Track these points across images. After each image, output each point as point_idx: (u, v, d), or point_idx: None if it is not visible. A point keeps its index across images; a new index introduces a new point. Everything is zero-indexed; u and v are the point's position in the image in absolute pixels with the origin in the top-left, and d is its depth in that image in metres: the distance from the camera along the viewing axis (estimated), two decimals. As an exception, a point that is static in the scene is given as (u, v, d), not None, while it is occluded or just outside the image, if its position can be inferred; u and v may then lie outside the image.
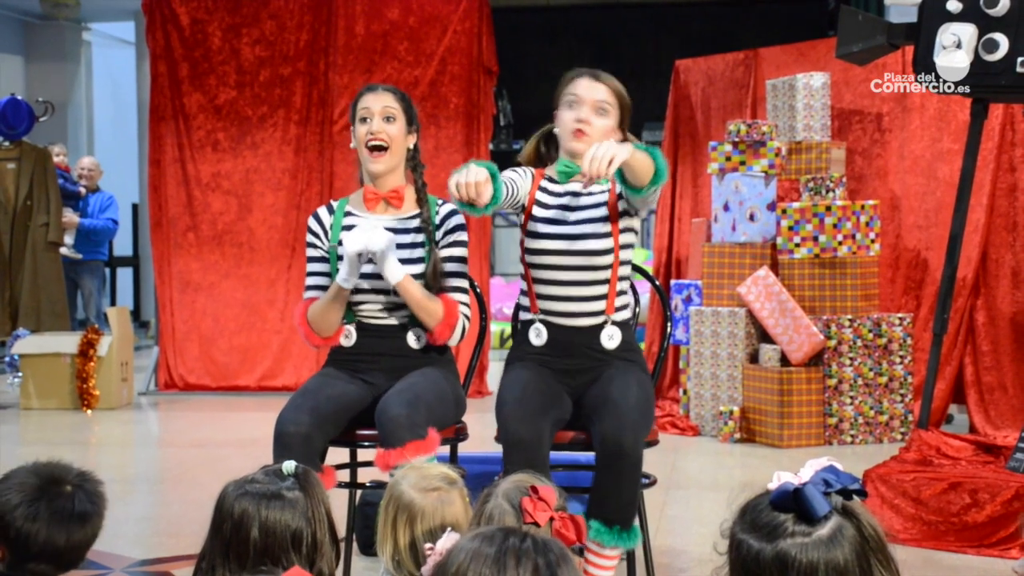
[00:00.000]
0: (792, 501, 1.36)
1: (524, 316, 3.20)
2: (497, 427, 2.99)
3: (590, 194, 3.10)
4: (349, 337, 3.23)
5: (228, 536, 1.88)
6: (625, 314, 3.15)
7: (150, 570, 3.71)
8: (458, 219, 3.25)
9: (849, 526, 1.35)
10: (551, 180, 3.16)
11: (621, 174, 2.83)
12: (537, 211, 3.13)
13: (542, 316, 3.12)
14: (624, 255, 3.10)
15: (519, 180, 3.10)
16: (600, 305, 3.09)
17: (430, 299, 3.14)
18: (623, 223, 3.08)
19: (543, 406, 2.97)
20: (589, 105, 3.07)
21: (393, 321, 3.20)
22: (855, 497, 1.38)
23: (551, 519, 1.95)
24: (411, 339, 3.19)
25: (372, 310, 3.22)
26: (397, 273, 3.09)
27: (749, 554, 1.36)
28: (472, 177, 2.74)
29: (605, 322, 3.09)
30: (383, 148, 3.20)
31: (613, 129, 3.10)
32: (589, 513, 2.92)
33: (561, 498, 2.03)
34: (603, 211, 3.07)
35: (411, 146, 3.28)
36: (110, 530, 4.13)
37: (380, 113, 3.20)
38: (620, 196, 3.06)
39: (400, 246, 3.17)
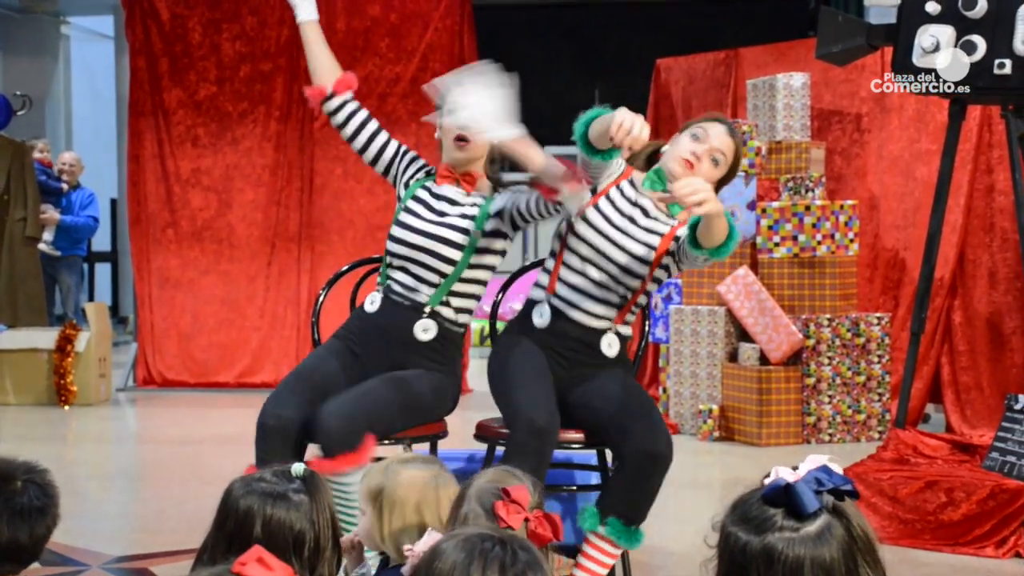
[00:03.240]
0: (783, 496, 1.37)
1: (536, 294, 3.21)
2: (505, 411, 3.02)
3: (656, 219, 3.13)
4: (374, 303, 3.24)
5: (231, 532, 1.88)
6: (628, 329, 3.20)
7: (128, 567, 3.69)
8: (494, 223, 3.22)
9: (838, 525, 1.36)
10: (632, 184, 3.19)
11: (695, 225, 2.85)
12: (603, 204, 3.15)
13: (553, 299, 3.15)
14: (651, 286, 3.16)
15: (617, 162, 3.15)
16: (611, 313, 3.14)
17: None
18: (664, 260, 3.11)
19: (552, 395, 3.02)
20: (709, 149, 3.10)
21: (417, 298, 3.19)
22: (847, 498, 1.39)
23: (526, 519, 1.95)
24: (419, 329, 3.18)
25: (403, 281, 3.21)
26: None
27: (737, 545, 1.38)
28: (640, 133, 2.70)
29: (609, 329, 3.15)
30: (467, 139, 3.18)
31: (714, 180, 3.13)
32: (606, 510, 2.95)
33: (535, 495, 2.03)
34: (655, 240, 3.10)
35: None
36: (87, 526, 4.14)
37: None
38: (676, 239, 3.08)
39: (449, 216, 3.19)
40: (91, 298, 11.81)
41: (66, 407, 7.04)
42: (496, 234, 3.20)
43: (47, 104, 12.30)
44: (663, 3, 14.63)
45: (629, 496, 2.94)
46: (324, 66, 3.31)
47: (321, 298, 3.60)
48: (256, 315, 7.88)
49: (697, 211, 2.69)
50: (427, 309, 3.18)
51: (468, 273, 3.19)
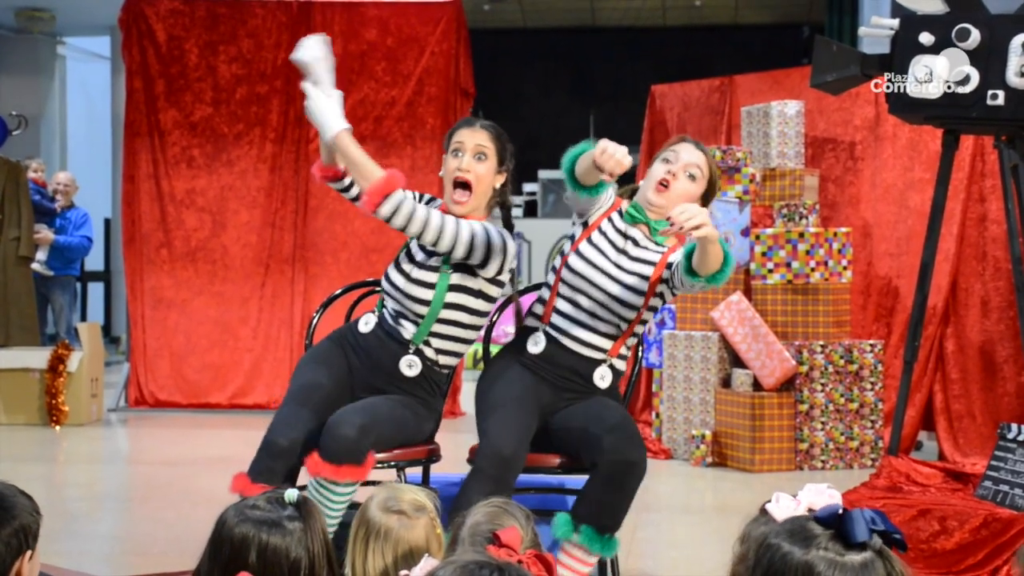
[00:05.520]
0: (836, 519, 1.39)
1: (531, 322, 3.23)
2: (479, 434, 3.03)
3: (646, 248, 3.16)
4: (368, 324, 3.24)
5: (226, 560, 1.87)
6: (622, 363, 3.21)
7: (118, 589, 3.68)
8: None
9: (881, 565, 1.38)
10: (620, 215, 3.22)
11: (690, 252, 2.86)
12: (596, 237, 3.18)
13: (549, 328, 3.16)
14: (646, 315, 3.17)
15: (607, 195, 3.18)
16: (606, 344, 3.15)
17: (370, 161, 3.03)
18: (659, 289, 3.13)
19: (526, 424, 3.03)
20: (683, 165, 3.14)
21: (404, 332, 3.18)
22: (894, 546, 1.41)
23: (518, 562, 1.94)
24: (404, 364, 3.18)
25: (391, 310, 3.21)
26: (333, 126, 3.02)
27: (777, 553, 1.39)
28: (624, 158, 2.80)
29: (604, 361, 3.16)
30: (467, 187, 3.15)
31: (695, 197, 3.16)
32: (579, 518, 2.96)
33: (528, 531, 2.02)
34: (648, 270, 3.12)
35: (498, 186, 3.22)
36: (77, 547, 4.12)
37: (472, 150, 3.16)
38: (668, 266, 3.10)
39: (434, 258, 3.16)
40: (83, 318, 11.79)
41: (57, 427, 7.02)
42: (466, 268, 3.13)
43: (42, 124, 12.32)
44: (658, 30, 14.73)
45: (602, 504, 2.95)
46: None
47: (315, 320, 3.60)
48: (249, 336, 7.87)
49: (695, 235, 2.71)
50: (412, 347, 3.18)
51: (446, 313, 3.15)
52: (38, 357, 7.17)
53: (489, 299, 3.21)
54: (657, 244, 3.17)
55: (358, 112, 7.82)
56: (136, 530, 4.64)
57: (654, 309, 3.18)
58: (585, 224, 3.21)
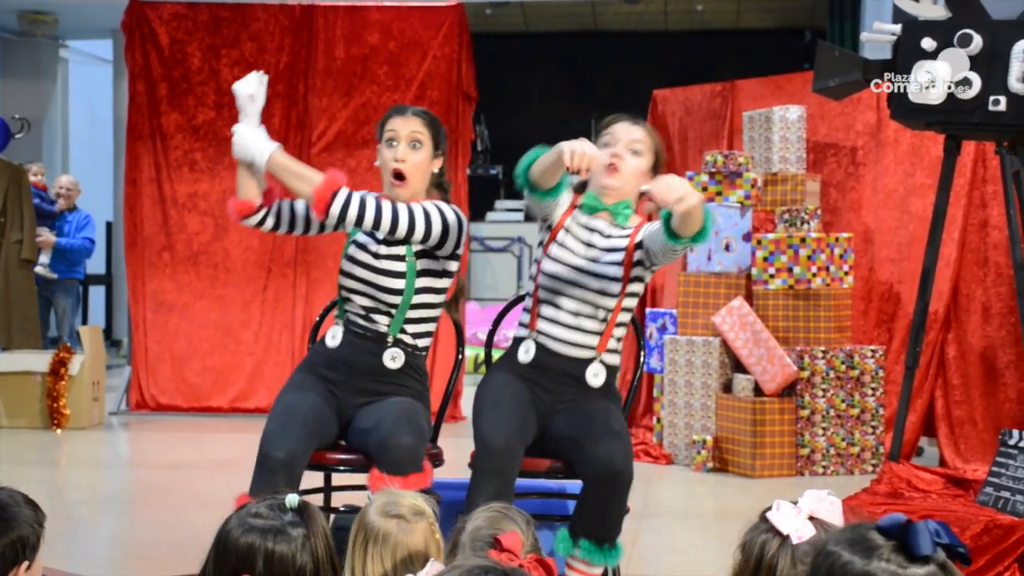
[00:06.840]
0: (900, 531, 1.37)
1: (520, 332, 3.25)
2: (473, 433, 3.05)
3: (611, 236, 3.17)
4: (335, 338, 3.25)
5: (232, 570, 1.87)
6: (614, 358, 3.21)
7: (119, 593, 3.67)
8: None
9: None
10: (580, 209, 3.23)
11: (668, 217, 2.87)
12: (562, 236, 3.20)
13: (537, 335, 3.17)
14: (627, 302, 3.18)
15: (566, 195, 3.21)
16: (594, 340, 3.16)
17: (308, 169, 3.13)
18: (634, 272, 3.14)
19: (519, 420, 3.04)
20: (624, 143, 3.15)
21: (379, 327, 3.20)
22: (958, 561, 1.38)
23: (520, 567, 1.94)
24: (387, 358, 3.20)
25: (359, 308, 3.23)
26: (263, 149, 3.14)
27: (837, 563, 1.37)
28: (595, 153, 2.82)
29: (594, 359, 3.16)
30: (403, 177, 3.19)
31: (646, 172, 3.18)
32: (576, 532, 2.98)
33: (528, 536, 2.02)
34: (619, 256, 3.13)
35: (436, 170, 3.29)
36: (79, 550, 4.12)
37: (407, 138, 3.20)
38: (639, 246, 3.11)
39: (390, 247, 3.19)
40: (85, 321, 11.79)
41: (59, 431, 7.02)
42: (427, 253, 3.20)
43: (44, 127, 12.32)
44: (660, 34, 14.72)
45: (595, 517, 2.96)
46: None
47: (318, 325, 3.60)
48: (251, 340, 7.87)
49: (680, 207, 2.71)
50: (390, 339, 3.20)
51: (419, 298, 3.21)
52: (40, 360, 7.17)
53: (450, 274, 3.27)
54: (622, 228, 3.19)
55: (360, 116, 7.83)
56: (137, 534, 4.64)
57: (634, 295, 3.19)
58: (549, 227, 3.23)
